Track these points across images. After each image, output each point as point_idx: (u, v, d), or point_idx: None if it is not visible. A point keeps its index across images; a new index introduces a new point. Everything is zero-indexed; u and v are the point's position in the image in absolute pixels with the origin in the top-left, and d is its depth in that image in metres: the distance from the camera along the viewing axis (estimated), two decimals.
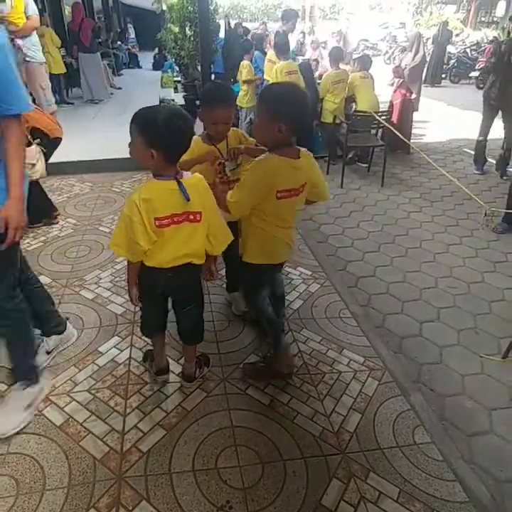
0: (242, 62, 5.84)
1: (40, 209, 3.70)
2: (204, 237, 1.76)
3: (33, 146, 3.15)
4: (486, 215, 3.62)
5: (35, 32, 5.13)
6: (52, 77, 7.80)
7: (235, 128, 2.29)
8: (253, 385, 2.13)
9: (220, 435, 1.87)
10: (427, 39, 12.36)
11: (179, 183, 1.61)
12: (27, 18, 4.75)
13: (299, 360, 2.32)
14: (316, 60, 7.61)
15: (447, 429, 2.05)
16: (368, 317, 2.77)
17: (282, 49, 5.32)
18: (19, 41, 4.88)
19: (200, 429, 1.90)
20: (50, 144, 3.32)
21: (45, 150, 3.24)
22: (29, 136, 3.06)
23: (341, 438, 1.88)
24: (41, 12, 7.82)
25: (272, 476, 1.71)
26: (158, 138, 1.53)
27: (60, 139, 3.44)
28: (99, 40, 10.10)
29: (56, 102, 8.11)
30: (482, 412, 2.17)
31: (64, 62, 8.06)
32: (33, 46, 5.13)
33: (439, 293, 3.09)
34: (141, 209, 1.57)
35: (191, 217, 1.67)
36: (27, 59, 5.05)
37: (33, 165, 3.12)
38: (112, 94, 9.16)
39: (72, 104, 8.36)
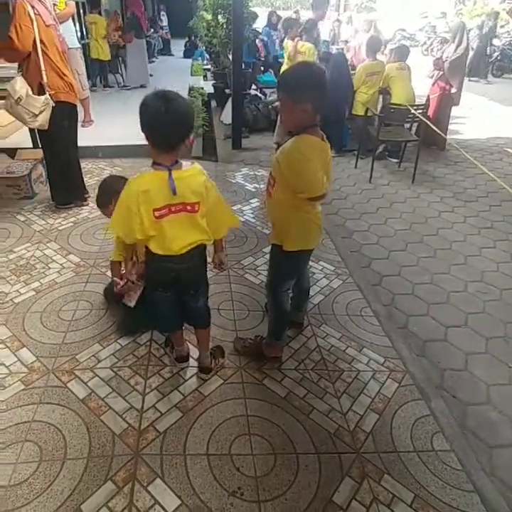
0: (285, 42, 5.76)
1: (74, 190, 3.79)
2: (205, 224, 1.77)
3: (42, 97, 3.24)
4: None
5: (70, 19, 5.20)
6: (96, 63, 8.03)
7: None
8: (270, 376, 2.14)
9: (235, 422, 1.89)
10: (470, 30, 11.91)
11: (169, 175, 1.61)
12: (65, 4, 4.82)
13: (317, 355, 2.31)
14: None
15: (468, 439, 2.00)
16: (391, 317, 2.73)
17: (307, 27, 5.28)
18: (59, 26, 4.96)
19: (216, 415, 1.92)
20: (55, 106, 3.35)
21: (54, 105, 3.31)
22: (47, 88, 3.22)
23: (357, 437, 1.87)
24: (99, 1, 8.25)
25: (284, 467, 1.73)
26: (142, 121, 1.58)
27: (69, 103, 3.49)
28: None
29: (104, 86, 8.48)
30: (507, 425, 2.10)
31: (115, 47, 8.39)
32: (69, 32, 5.14)
33: (468, 297, 3.01)
34: (140, 201, 1.60)
35: (188, 207, 1.68)
36: None
37: (35, 115, 3.22)
38: (152, 75, 9.21)
39: (112, 87, 8.62)
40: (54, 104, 3.31)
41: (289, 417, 1.93)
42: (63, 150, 3.59)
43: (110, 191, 2.21)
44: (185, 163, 1.69)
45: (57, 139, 3.50)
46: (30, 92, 3.22)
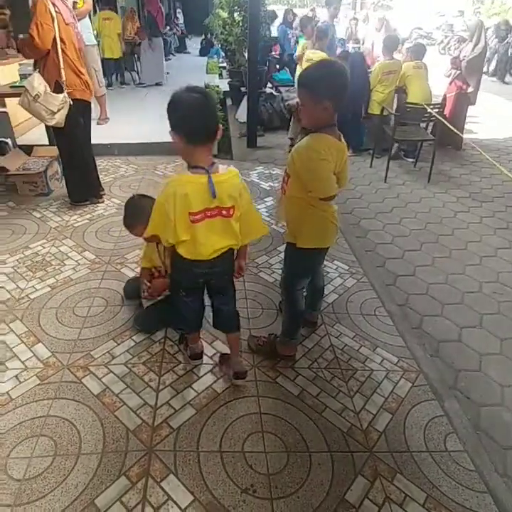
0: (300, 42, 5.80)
1: (84, 188, 3.82)
2: (237, 229, 1.74)
3: (61, 95, 3.26)
4: None
5: (87, 16, 5.22)
6: (110, 62, 7.99)
7: None
8: (283, 374, 2.15)
9: (248, 420, 1.90)
10: (488, 29, 11.75)
11: (209, 178, 1.58)
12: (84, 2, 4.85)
13: (330, 354, 2.30)
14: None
15: (481, 440, 1.98)
16: (405, 317, 2.71)
17: (319, 35, 5.34)
18: (78, 24, 5.00)
19: (229, 413, 1.93)
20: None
21: (72, 103, 3.34)
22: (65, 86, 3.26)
23: (369, 436, 1.87)
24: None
25: (296, 465, 1.73)
26: (176, 116, 1.53)
27: (84, 101, 3.53)
28: None
29: (121, 83, 8.46)
30: None
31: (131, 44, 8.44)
32: (86, 29, 5.19)
33: (483, 298, 2.98)
34: (178, 204, 1.57)
35: (224, 212, 1.66)
36: None
37: (53, 112, 3.25)
38: (168, 73, 9.24)
39: (128, 84, 8.66)
40: (71, 102, 3.35)
41: (302, 416, 1.93)
42: (78, 147, 3.63)
43: (137, 212, 2.23)
44: (222, 167, 1.67)
45: (73, 136, 3.54)
46: (49, 90, 3.24)
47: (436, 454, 1.82)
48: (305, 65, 5.08)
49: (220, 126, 1.63)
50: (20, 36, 3.26)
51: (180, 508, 1.56)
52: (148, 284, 2.31)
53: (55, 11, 3.14)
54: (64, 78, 3.28)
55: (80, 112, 3.50)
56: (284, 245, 2.14)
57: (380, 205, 4.36)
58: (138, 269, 2.89)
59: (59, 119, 3.31)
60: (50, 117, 3.27)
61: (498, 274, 3.25)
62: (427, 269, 3.29)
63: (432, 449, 1.83)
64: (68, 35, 3.30)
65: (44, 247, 3.17)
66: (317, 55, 5.07)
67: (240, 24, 6.75)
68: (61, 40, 3.22)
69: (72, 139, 3.55)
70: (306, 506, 1.59)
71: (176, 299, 1.96)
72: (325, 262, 3.06)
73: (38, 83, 3.20)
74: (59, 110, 3.27)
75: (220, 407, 1.96)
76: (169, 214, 1.58)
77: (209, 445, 1.78)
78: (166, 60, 11.66)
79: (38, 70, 3.35)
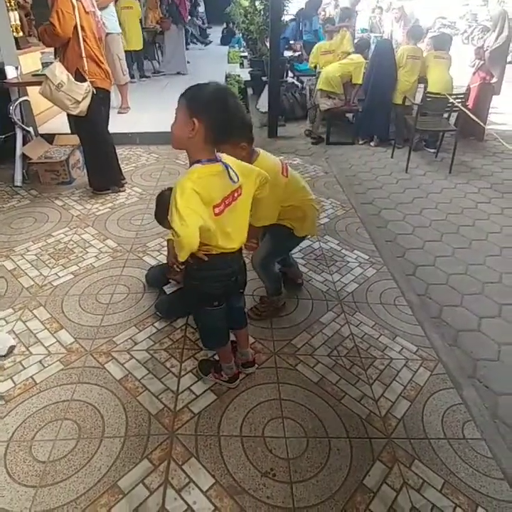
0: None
1: (107, 177, 3.88)
2: (249, 207, 1.68)
3: (85, 84, 3.30)
4: None
5: (112, 3, 5.27)
6: (129, 53, 7.63)
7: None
8: (303, 362, 2.17)
9: (268, 406, 1.93)
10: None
11: (225, 165, 1.51)
12: None
13: (350, 342, 2.32)
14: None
15: (499, 428, 1.98)
16: (424, 307, 2.70)
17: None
18: (98, 12, 5.01)
19: (249, 398, 1.97)
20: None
21: (95, 92, 3.39)
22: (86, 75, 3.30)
23: (388, 423, 1.88)
24: None
25: (316, 450, 1.75)
26: (204, 101, 1.40)
27: (104, 90, 3.57)
28: None
29: (140, 77, 8.26)
30: None
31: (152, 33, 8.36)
32: (111, 17, 5.25)
33: (503, 289, 2.95)
34: (204, 200, 1.45)
35: (235, 194, 1.59)
36: (106, 30, 5.03)
37: (78, 102, 3.29)
38: (188, 62, 9.16)
39: (148, 77, 8.46)
40: (95, 91, 3.38)
41: (322, 402, 1.96)
42: (100, 135, 3.68)
43: (168, 207, 2.24)
44: (223, 155, 1.61)
45: (94, 124, 3.58)
46: (72, 78, 3.27)
47: (454, 441, 1.83)
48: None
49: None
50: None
51: (201, 490, 1.60)
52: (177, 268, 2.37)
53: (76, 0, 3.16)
54: (86, 67, 3.31)
55: (100, 101, 3.54)
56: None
57: (401, 195, 4.32)
58: (159, 258, 2.95)
59: (82, 107, 3.34)
60: (75, 106, 3.30)
61: None
62: (447, 259, 3.26)
63: (450, 437, 1.84)
64: (88, 23, 3.32)
65: (66, 235, 3.24)
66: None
67: (262, 13, 6.71)
68: (82, 28, 3.23)
69: (93, 128, 3.59)
70: (325, 490, 1.61)
71: (204, 316, 1.84)
72: (345, 252, 3.10)
73: (59, 72, 3.22)
74: (84, 99, 3.30)
75: (240, 393, 1.99)
76: (196, 211, 1.44)
77: (230, 430, 1.82)
78: (187, 49, 11.63)
79: (58, 58, 3.38)
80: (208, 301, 1.76)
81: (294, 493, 1.60)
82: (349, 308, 2.57)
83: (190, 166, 1.49)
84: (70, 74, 3.27)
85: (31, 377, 2.06)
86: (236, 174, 1.55)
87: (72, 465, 1.69)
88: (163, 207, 2.34)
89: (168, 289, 2.50)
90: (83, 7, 3.25)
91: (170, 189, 2.39)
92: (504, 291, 2.93)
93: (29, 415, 1.87)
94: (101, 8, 4.96)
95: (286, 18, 7.76)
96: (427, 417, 1.92)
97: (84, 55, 3.29)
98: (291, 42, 8.93)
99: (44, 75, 3.31)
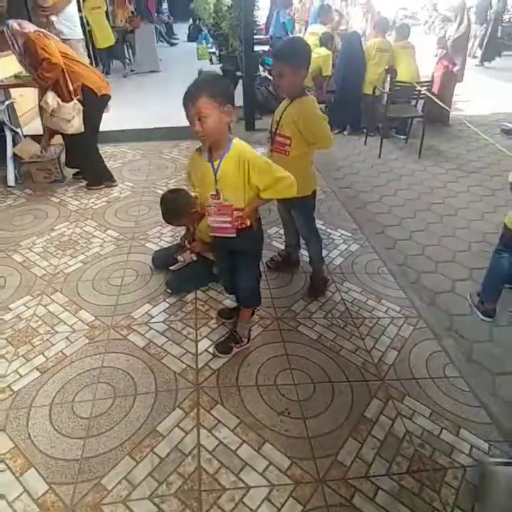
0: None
1: (102, 173, 4.07)
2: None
3: (71, 103, 3.53)
4: None
5: (71, 8, 5.05)
6: (104, 51, 7.89)
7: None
8: (303, 324, 2.46)
9: (277, 360, 2.22)
10: (470, 8, 11.87)
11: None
12: None
13: (342, 306, 2.62)
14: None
15: (474, 368, 2.32)
16: (404, 274, 3.03)
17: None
18: (53, 17, 4.80)
19: (260, 355, 2.25)
20: (99, 101, 3.68)
21: (83, 107, 3.60)
22: (73, 93, 3.52)
23: (381, 368, 2.20)
24: None
25: (322, 393, 2.05)
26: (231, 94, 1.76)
27: (108, 95, 3.78)
28: None
29: (106, 73, 8.21)
30: (507, 357, 2.42)
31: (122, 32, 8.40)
32: (68, 22, 5.02)
33: (472, 256, 3.31)
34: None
35: None
36: (62, 36, 4.76)
37: (68, 121, 3.53)
38: (161, 60, 9.31)
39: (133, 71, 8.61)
40: (81, 108, 3.59)
41: (323, 355, 2.26)
42: (96, 136, 3.95)
43: (177, 207, 2.57)
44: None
45: (97, 128, 3.88)
46: (60, 101, 3.51)
47: (437, 379, 2.15)
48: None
49: None
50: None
51: (229, 428, 1.87)
52: (189, 245, 2.65)
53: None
54: (92, 81, 3.57)
55: (104, 105, 3.80)
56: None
57: (376, 179, 4.67)
58: (161, 244, 3.18)
59: (77, 125, 3.59)
60: (69, 125, 3.55)
61: (484, 234, 3.59)
62: (421, 233, 3.62)
63: (434, 376, 2.17)
64: (59, 46, 3.57)
65: (68, 228, 3.42)
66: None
67: (232, 8, 6.88)
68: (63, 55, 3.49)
69: (95, 131, 3.86)
70: (334, 422, 1.91)
71: (256, 276, 2.21)
72: (329, 230, 3.39)
73: (51, 100, 3.48)
74: (73, 117, 3.54)
75: (251, 352, 2.27)
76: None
77: (247, 381, 2.10)
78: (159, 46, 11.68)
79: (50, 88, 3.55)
80: (260, 256, 2.19)
81: (308, 426, 1.89)
82: (338, 278, 2.87)
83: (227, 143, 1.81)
84: (59, 99, 3.50)
85: (61, 351, 2.27)
86: None
87: (112, 418, 1.92)
88: (171, 209, 2.65)
89: (175, 268, 2.75)
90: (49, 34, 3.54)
91: (170, 192, 2.66)
92: (473, 258, 3.29)
93: (66, 382, 2.09)
94: (56, 13, 4.83)
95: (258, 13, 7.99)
96: (414, 362, 2.24)
97: (82, 72, 3.57)
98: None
99: (26, 76, 3.69)
